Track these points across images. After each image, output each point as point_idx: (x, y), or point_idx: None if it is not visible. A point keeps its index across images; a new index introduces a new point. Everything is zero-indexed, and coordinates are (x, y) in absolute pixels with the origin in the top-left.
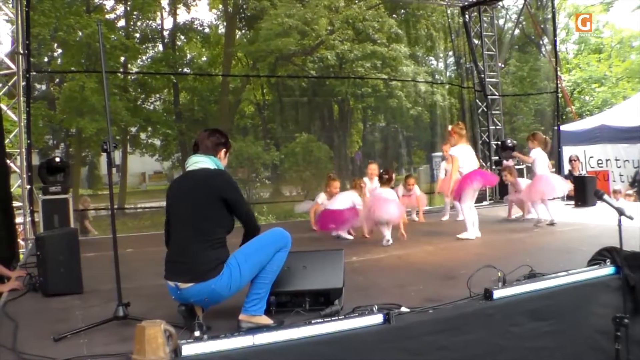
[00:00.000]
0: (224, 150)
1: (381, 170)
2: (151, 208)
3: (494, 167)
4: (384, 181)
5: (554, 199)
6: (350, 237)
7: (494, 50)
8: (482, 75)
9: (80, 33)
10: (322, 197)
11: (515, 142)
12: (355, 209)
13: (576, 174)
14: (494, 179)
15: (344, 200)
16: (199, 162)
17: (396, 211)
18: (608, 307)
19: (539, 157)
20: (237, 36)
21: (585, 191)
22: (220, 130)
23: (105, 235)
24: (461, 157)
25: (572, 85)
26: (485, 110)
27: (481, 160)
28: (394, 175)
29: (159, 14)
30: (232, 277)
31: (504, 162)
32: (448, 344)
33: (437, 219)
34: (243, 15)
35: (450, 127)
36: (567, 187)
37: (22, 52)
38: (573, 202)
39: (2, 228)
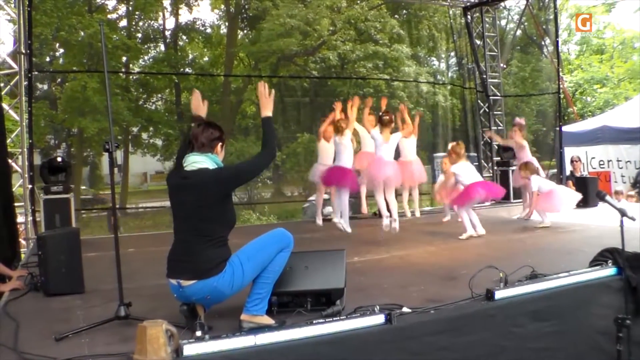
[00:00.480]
0: (220, 144)
1: (380, 113)
2: (152, 208)
3: (495, 167)
4: (385, 123)
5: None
6: (349, 230)
7: (496, 50)
8: (484, 76)
9: (82, 33)
10: (322, 143)
11: None
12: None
13: (578, 174)
14: (500, 192)
15: (348, 158)
16: (197, 162)
17: (394, 171)
18: (610, 308)
19: (540, 182)
20: (239, 36)
21: (587, 192)
22: (213, 123)
23: (107, 235)
24: (462, 173)
25: (574, 86)
26: (487, 110)
27: (483, 161)
28: (393, 117)
29: (160, 14)
30: (234, 275)
31: (517, 119)
32: (449, 344)
33: (439, 220)
34: (245, 15)
35: (450, 146)
36: (578, 197)
37: (24, 51)
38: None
39: (3, 227)
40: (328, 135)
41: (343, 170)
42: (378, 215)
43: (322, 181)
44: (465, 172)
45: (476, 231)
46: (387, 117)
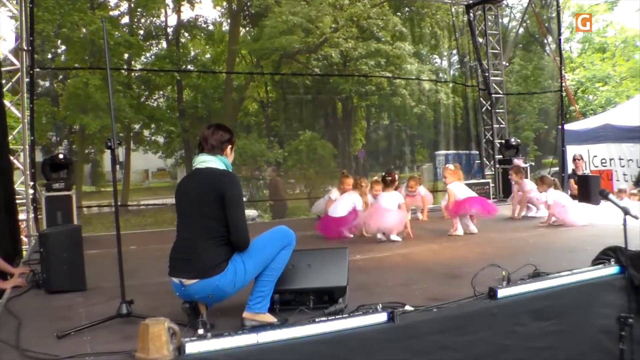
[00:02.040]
0: (230, 146)
1: (383, 173)
2: (154, 205)
3: (497, 165)
4: (388, 183)
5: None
6: (350, 235)
7: (498, 48)
8: (486, 74)
9: (84, 30)
10: (335, 193)
11: (519, 140)
12: (356, 211)
13: (580, 173)
14: (493, 210)
15: (345, 204)
16: (206, 161)
17: (396, 219)
18: (612, 307)
19: (556, 196)
20: (241, 33)
21: (589, 190)
22: (223, 125)
23: (109, 232)
24: (457, 191)
25: (576, 84)
26: (489, 108)
27: (485, 159)
28: (397, 176)
29: (162, 11)
30: (236, 274)
31: (515, 160)
32: (452, 343)
33: (442, 218)
34: (247, 12)
35: (452, 167)
36: (589, 217)
37: (25, 48)
38: (577, 202)
39: (5, 225)
40: (347, 189)
41: (337, 220)
42: None
43: (320, 231)
44: (460, 190)
45: (469, 229)
46: (390, 178)
